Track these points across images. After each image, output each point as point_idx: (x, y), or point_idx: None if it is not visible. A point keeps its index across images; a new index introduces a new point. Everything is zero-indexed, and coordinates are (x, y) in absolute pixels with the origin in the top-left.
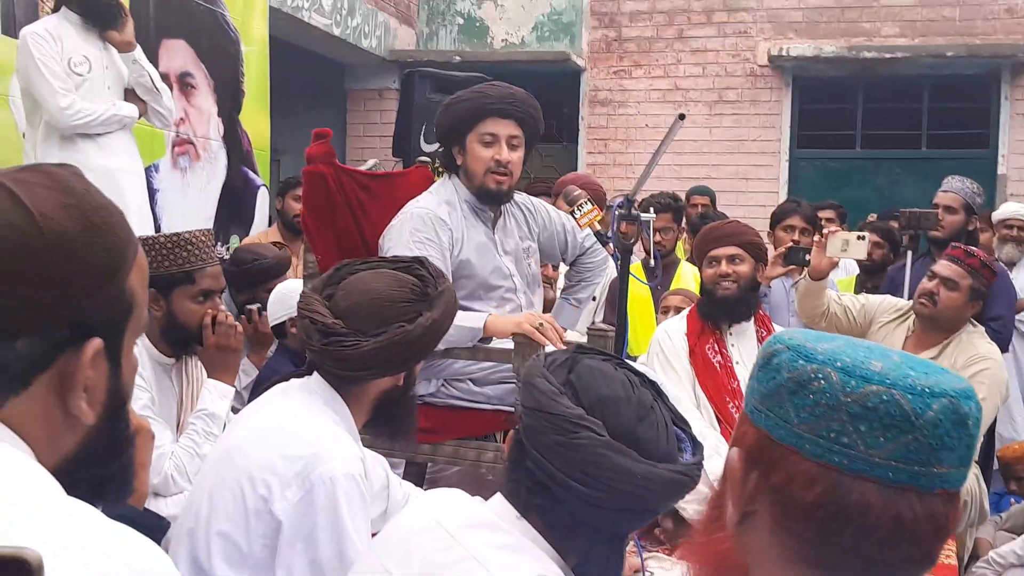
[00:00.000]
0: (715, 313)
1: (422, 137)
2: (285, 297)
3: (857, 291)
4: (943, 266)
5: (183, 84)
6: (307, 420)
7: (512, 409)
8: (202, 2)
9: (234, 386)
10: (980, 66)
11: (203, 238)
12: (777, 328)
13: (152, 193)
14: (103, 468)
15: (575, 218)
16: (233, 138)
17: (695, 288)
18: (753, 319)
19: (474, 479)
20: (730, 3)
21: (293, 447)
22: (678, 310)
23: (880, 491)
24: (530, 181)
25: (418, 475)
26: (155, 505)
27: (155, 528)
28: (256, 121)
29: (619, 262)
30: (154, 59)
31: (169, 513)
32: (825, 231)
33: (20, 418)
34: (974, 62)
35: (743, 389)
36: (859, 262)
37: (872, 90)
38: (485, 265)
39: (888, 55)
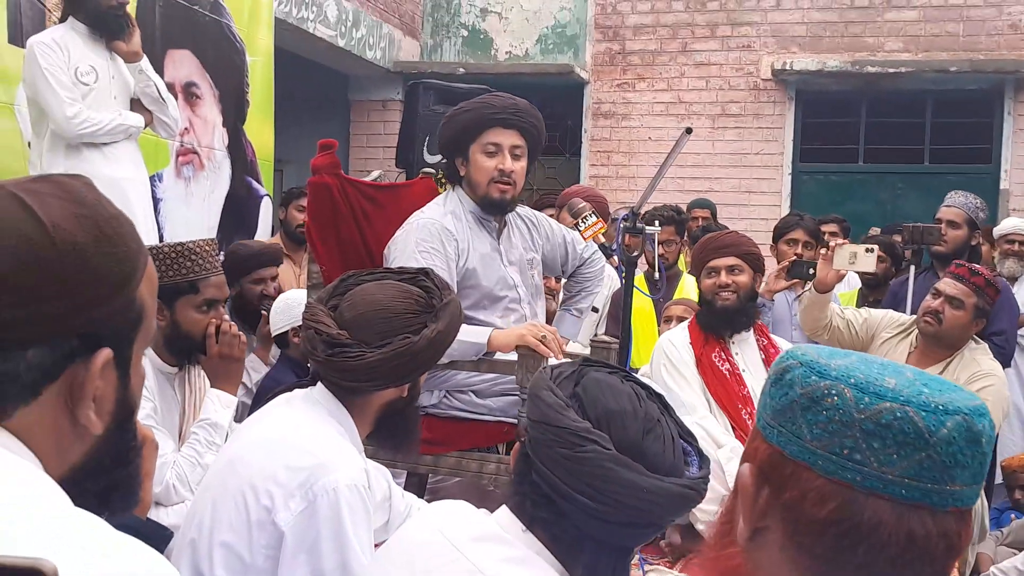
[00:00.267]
0: (716, 323)
1: (425, 148)
2: (288, 307)
3: (859, 305)
4: (948, 284)
5: (188, 94)
6: (310, 431)
7: (514, 421)
8: (208, 13)
9: (236, 396)
10: (983, 81)
11: (207, 248)
12: (776, 339)
13: (156, 202)
14: (110, 478)
15: (579, 230)
16: (237, 148)
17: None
18: (752, 328)
19: (476, 490)
20: (734, 17)
21: (296, 457)
22: (680, 320)
23: (893, 508)
24: (533, 194)
25: (419, 486)
26: (156, 515)
27: (158, 538)
28: (260, 131)
29: (623, 275)
30: (160, 69)
31: (170, 523)
32: (832, 243)
33: (29, 428)
34: (977, 77)
35: (752, 395)
36: (861, 276)
37: (875, 105)
38: (490, 275)
39: (891, 70)
